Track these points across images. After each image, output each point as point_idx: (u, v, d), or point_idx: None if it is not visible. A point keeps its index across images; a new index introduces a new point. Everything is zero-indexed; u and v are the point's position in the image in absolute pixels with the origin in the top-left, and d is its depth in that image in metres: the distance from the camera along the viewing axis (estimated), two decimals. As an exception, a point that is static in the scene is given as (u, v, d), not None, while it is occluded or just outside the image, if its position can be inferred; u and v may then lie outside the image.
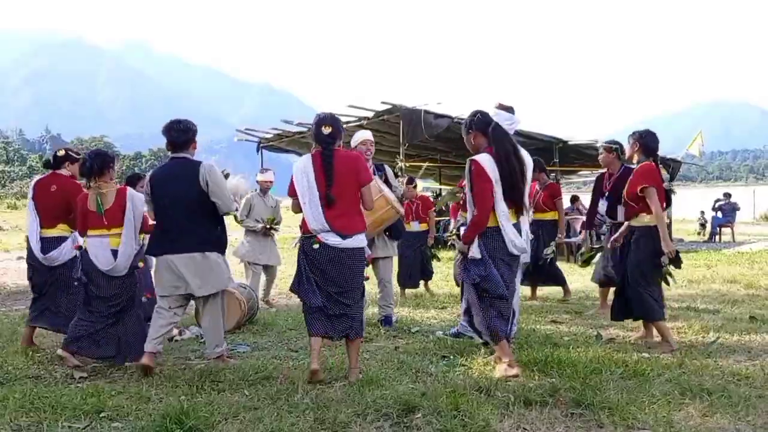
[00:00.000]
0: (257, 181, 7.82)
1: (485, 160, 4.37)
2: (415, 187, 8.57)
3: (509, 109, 5.59)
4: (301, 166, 4.33)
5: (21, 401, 3.78)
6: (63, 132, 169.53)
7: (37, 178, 5.59)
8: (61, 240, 5.34)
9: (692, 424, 3.33)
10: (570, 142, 16.47)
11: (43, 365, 4.82)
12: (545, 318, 6.48)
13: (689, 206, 24.50)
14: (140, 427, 3.36)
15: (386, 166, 6.30)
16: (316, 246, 4.22)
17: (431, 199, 9.09)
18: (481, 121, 4.53)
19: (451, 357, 4.84)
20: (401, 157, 13.81)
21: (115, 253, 4.77)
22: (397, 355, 4.94)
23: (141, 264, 4.99)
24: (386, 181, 5.71)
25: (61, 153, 5.52)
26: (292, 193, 4.37)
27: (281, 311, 7.05)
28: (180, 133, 4.73)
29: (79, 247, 5.11)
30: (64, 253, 5.31)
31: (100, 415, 3.61)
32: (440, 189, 22.77)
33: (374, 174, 6.03)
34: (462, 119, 14.40)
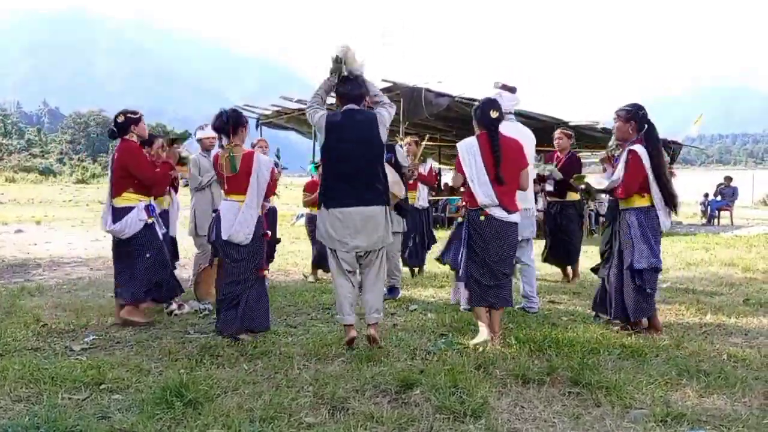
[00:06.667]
0: (198, 140, 6.63)
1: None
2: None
3: (511, 90, 5.71)
4: (469, 147, 4.69)
5: (21, 372, 3.80)
6: (61, 105, 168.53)
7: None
8: (126, 210, 5.17)
9: (689, 405, 3.35)
10: (570, 123, 16.41)
11: (42, 337, 4.83)
12: (544, 298, 6.50)
13: (688, 189, 24.51)
14: (140, 399, 3.38)
15: (397, 147, 6.25)
16: (482, 218, 4.63)
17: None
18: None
19: (450, 335, 4.86)
20: (401, 135, 13.75)
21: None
22: (395, 333, 4.97)
23: (269, 233, 4.90)
24: (396, 163, 5.65)
25: (121, 119, 5.27)
26: (459, 170, 4.74)
27: (279, 288, 7.05)
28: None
29: (153, 221, 5.21)
30: (129, 224, 5.15)
31: (100, 387, 3.63)
32: (439, 168, 22.70)
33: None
34: (463, 98, 14.28)
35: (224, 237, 4.74)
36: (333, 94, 4.69)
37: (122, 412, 3.28)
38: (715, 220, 19.30)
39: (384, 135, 4.52)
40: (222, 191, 5.04)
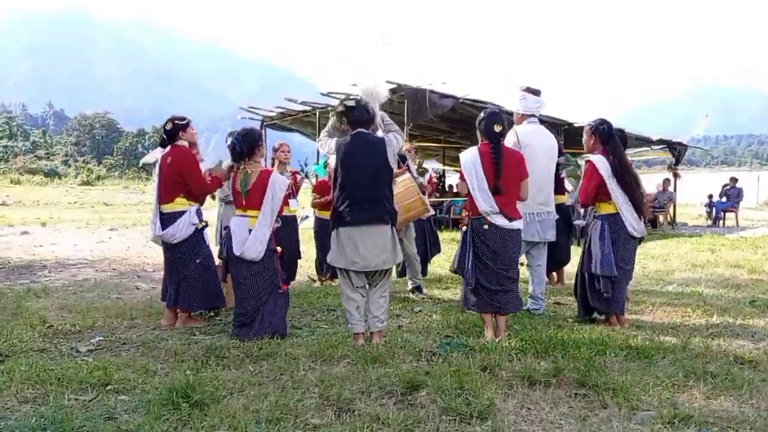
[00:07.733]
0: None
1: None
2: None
3: (536, 92, 5.80)
4: (471, 158, 4.83)
5: (27, 373, 3.80)
6: (66, 107, 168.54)
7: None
8: (178, 215, 5.17)
9: (696, 406, 3.34)
10: (575, 125, 16.38)
11: (48, 338, 4.84)
12: (548, 300, 6.48)
13: (693, 190, 24.44)
14: (147, 400, 3.38)
15: (407, 155, 6.32)
16: (486, 227, 4.74)
17: None
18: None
19: (455, 336, 4.86)
20: (405, 137, 13.74)
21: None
22: (400, 334, 4.96)
23: (279, 249, 4.99)
24: (408, 168, 5.71)
25: (169, 126, 5.29)
26: (462, 178, 4.91)
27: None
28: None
29: (205, 225, 5.22)
30: (181, 228, 5.15)
31: (107, 388, 3.64)
32: (443, 170, 22.67)
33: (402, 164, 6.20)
34: (467, 100, 14.24)
35: (236, 253, 4.77)
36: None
37: (129, 413, 3.28)
38: (721, 222, 19.22)
39: (393, 159, 4.66)
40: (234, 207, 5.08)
